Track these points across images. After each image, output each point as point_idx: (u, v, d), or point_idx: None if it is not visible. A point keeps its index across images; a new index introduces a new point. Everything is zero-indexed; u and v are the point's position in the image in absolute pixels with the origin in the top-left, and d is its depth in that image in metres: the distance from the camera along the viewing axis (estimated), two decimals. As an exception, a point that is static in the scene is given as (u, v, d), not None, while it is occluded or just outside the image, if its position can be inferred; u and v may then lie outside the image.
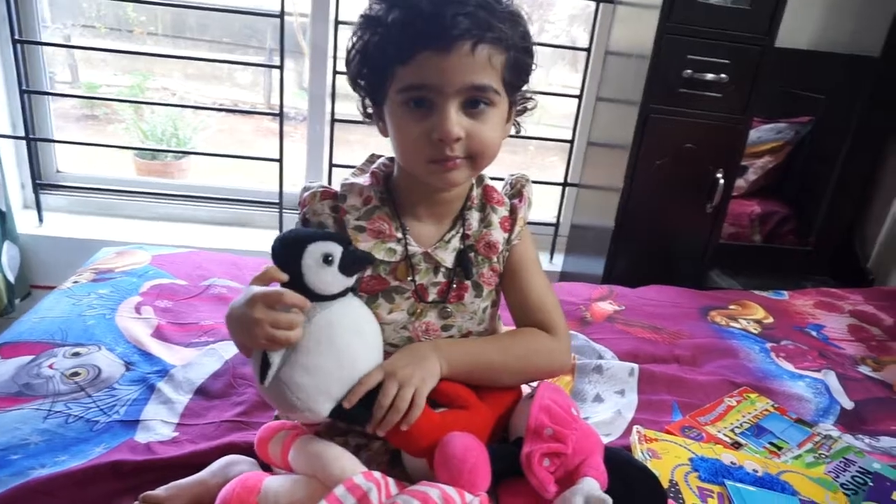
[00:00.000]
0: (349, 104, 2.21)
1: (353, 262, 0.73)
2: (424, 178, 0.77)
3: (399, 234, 0.81)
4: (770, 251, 2.11)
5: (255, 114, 2.96)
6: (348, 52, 0.76)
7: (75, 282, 1.28)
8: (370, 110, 0.81)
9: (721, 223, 1.82)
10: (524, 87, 0.81)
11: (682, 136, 1.68)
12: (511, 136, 0.85)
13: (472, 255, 0.84)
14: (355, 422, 0.72)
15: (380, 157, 0.87)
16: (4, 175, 1.84)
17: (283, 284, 0.71)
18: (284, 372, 0.70)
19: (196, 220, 2.18)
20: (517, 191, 0.89)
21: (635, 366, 1.22)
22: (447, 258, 0.82)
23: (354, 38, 0.75)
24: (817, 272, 2.02)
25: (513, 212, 0.87)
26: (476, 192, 0.86)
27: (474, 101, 0.73)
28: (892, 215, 1.96)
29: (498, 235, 0.85)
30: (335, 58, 1.97)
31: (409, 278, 0.81)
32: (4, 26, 1.82)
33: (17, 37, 1.83)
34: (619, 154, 1.77)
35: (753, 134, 2.01)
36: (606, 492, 0.69)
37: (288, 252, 0.71)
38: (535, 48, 0.78)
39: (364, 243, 0.79)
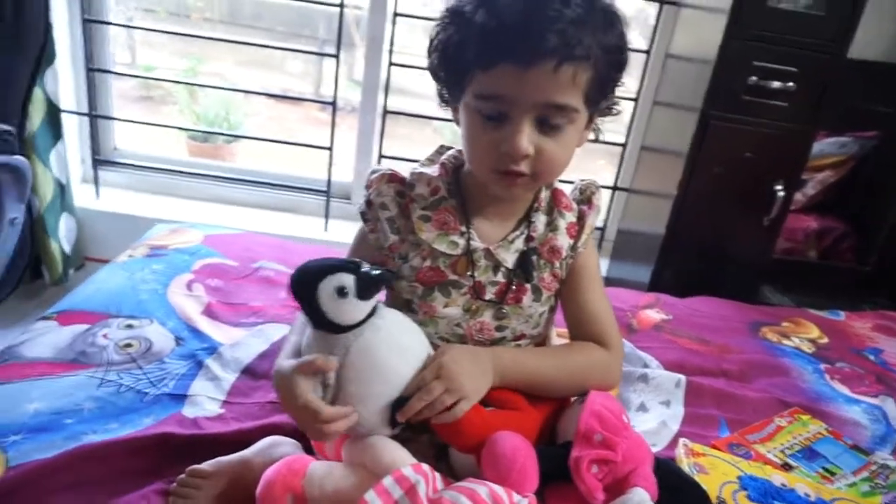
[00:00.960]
0: (401, 97, 2.22)
1: (369, 286, 0.71)
2: (487, 184, 0.76)
3: (463, 228, 0.80)
4: (826, 269, 2.03)
5: (308, 101, 2.98)
6: (431, 41, 0.75)
7: (130, 255, 1.31)
8: (447, 97, 0.79)
9: (777, 237, 1.76)
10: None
11: (743, 144, 1.63)
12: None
13: (534, 258, 0.82)
14: None
15: (449, 148, 0.86)
16: (66, 149, 1.90)
17: (312, 322, 0.73)
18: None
19: (244, 203, 2.22)
20: (586, 197, 0.86)
21: (682, 377, 1.18)
22: (508, 258, 0.81)
23: (438, 30, 0.74)
24: (876, 294, 1.93)
25: (580, 218, 0.85)
26: (544, 195, 0.84)
27: (550, 119, 0.70)
28: (960, 239, 1.87)
29: (563, 241, 0.83)
30: (391, 51, 1.97)
31: (469, 273, 0.80)
32: (76, 4, 1.88)
33: (86, 16, 1.88)
34: (674, 160, 1.72)
35: (815, 147, 1.93)
36: (656, 503, 0.67)
37: (302, 293, 0.71)
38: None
39: (427, 233, 0.79)
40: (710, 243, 1.75)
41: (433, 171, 0.82)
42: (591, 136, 0.81)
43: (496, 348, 0.81)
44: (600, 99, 0.75)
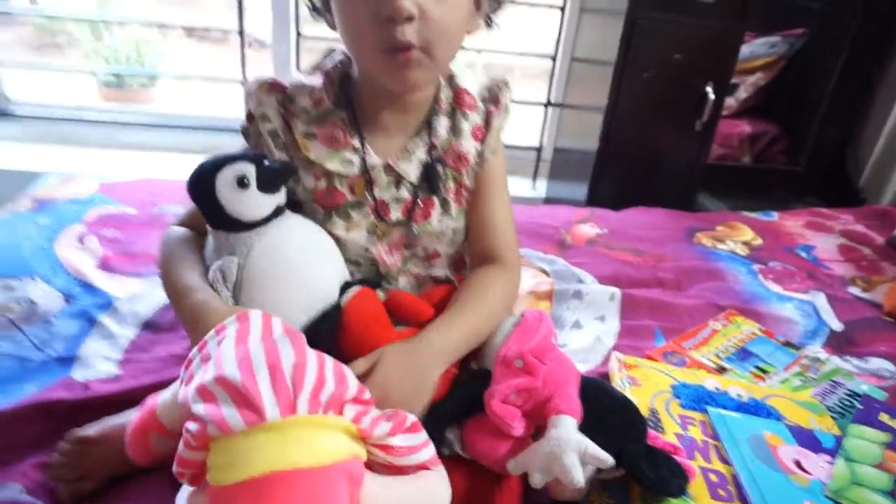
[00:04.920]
0: (316, 26, 2.06)
1: (271, 176, 0.66)
2: (378, 75, 0.66)
3: (356, 143, 0.71)
4: (760, 172, 2.04)
5: (217, 30, 2.77)
6: None
7: (12, 210, 1.18)
8: (318, 2, 0.70)
9: (710, 142, 1.73)
10: None
11: (671, 46, 1.57)
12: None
13: (439, 167, 0.74)
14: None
15: (334, 51, 0.76)
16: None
17: (211, 221, 0.66)
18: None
19: (163, 148, 2.06)
20: (494, 95, 0.78)
21: (616, 290, 1.15)
22: (411, 171, 0.73)
23: None
24: (808, 193, 1.95)
25: (487, 119, 0.77)
26: (445, 95, 0.75)
27: None
28: (887, 133, 1.88)
29: (469, 146, 0.75)
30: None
31: (369, 194, 0.72)
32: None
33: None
34: (604, 70, 1.65)
35: (745, 49, 1.89)
36: (582, 425, 0.63)
37: (201, 186, 0.65)
38: None
39: (316, 152, 0.70)
40: (644, 153, 1.71)
41: (315, 80, 0.72)
42: (483, 25, 0.72)
43: (431, 337, 0.68)
44: None
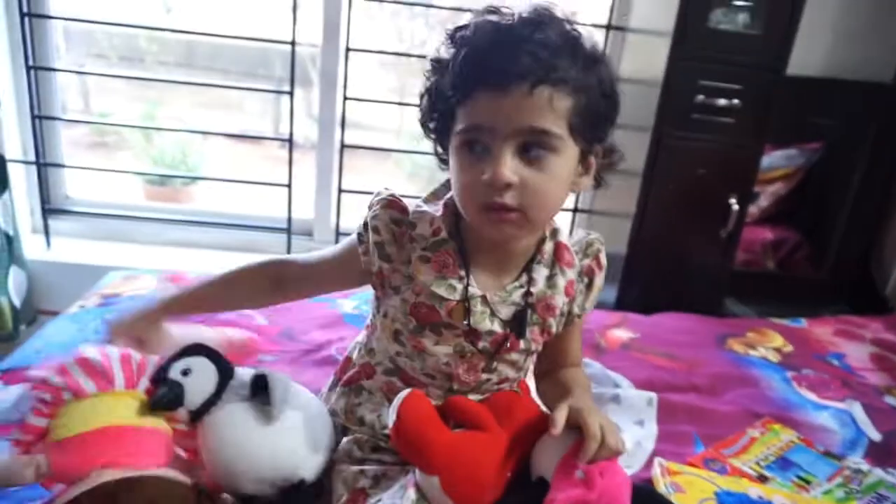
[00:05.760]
0: (358, 131, 2.22)
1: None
2: (478, 226, 0.74)
3: (462, 273, 0.77)
4: (784, 279, 2.08)
5: (265, 139, 2.96)
6: (420, 96, 0.76)
7: (81, 306, 1.26)
8: (444, 157, 0.78)
9: (735, 250, 1.79)
10: (604, 137, 0.75)
11: (695, 162, 1.67)
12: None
13: (529, 313, 0.80)
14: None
15: None
16: (13, 200, 1.83)
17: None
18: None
19: (205, 245, 2.17)
20: (593, 254, 0.85)
21: (654, 395, 1.18)
22: (504, 310, 0.79)
23: (424, 82, 0.75)
24: (833, 300, 1.98)
25: (583, 275, 0.84)
26: (548, 247, 0.81)
27: (532, 146, 0.68)
28: (909, 242, 1.93)
29: (559, 300, 0.81)
30: (345, 85, 1.98)
31: (465, 322, 0.78)
32: (19, 53, 1.84)
33: (31, 63, 1.84)
34: (631, 180, 1.75)
35: (765, 160, 1.99)
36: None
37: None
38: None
39: (426, 276, 0.77)
40: (671, 259, 1.77)
41: (436, 209, 0.80)
42: (591, 183, 0.78)
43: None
44: (588, 132, 0.71)
